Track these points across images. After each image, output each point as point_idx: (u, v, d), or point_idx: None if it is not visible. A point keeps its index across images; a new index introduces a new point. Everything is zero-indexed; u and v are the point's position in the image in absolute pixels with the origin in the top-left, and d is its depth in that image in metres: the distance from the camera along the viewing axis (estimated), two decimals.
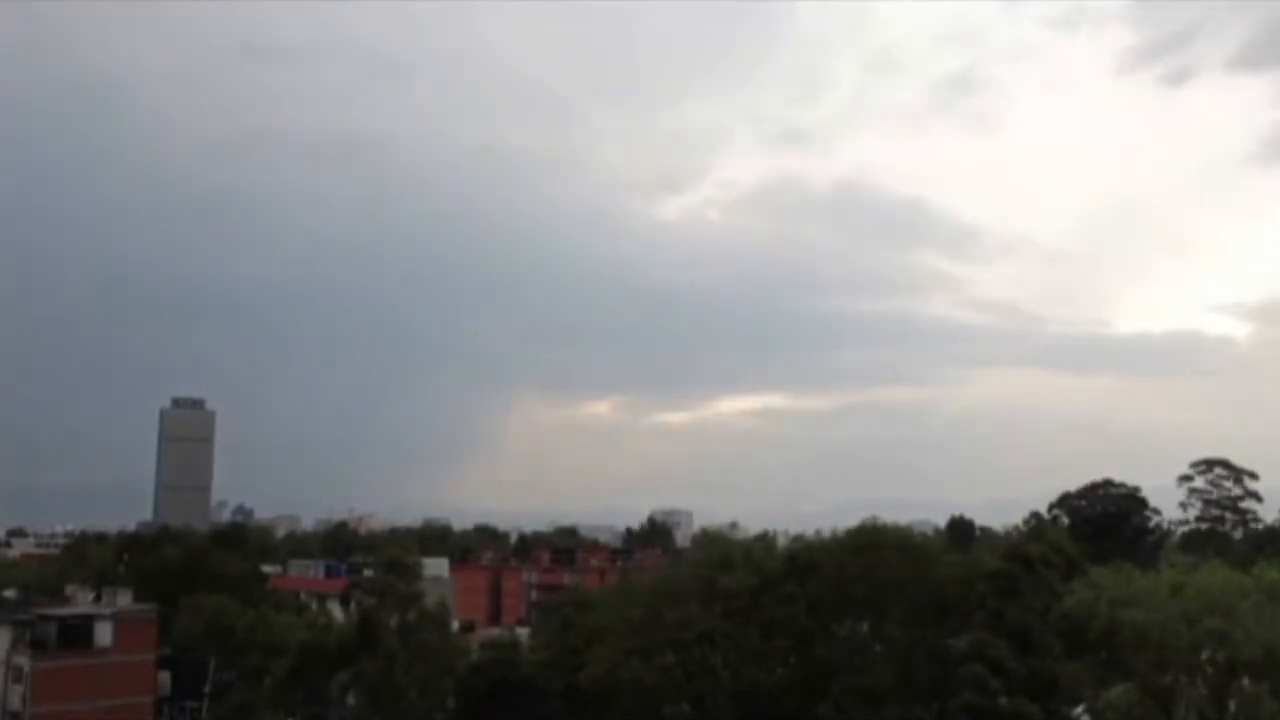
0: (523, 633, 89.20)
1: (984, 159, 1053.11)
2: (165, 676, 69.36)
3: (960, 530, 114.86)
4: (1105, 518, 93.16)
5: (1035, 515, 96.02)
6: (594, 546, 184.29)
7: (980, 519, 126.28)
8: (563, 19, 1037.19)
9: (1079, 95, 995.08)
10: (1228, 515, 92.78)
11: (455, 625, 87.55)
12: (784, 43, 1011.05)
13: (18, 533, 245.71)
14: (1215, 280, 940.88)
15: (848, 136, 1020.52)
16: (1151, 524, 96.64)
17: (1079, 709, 53.92)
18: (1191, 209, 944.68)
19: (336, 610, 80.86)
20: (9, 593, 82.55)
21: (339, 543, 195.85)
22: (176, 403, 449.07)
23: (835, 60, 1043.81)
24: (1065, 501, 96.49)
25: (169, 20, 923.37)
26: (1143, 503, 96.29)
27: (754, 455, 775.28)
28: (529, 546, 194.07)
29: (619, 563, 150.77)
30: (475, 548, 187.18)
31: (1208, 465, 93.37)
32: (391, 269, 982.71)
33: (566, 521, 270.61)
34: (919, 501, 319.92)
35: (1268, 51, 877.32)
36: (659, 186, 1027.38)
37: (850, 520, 67.39)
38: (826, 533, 72.48)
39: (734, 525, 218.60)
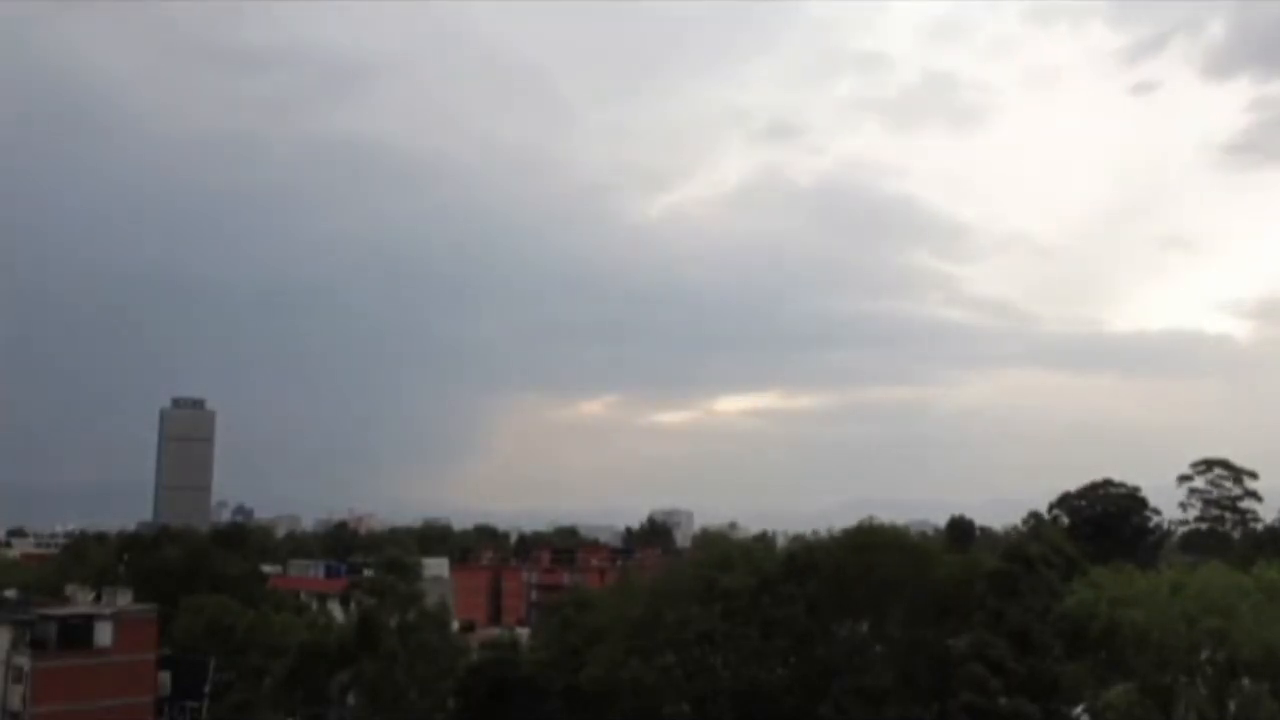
0: (523, 633, 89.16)
1: (977, 156, 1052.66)
2: (165, 676, 69.35)
3: (960, 530, 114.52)
4: (1105, 518, 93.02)
5: (1035, 515, 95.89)
6: (594, 546, 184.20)
7: (980, 519, 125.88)
8: (558, 18, 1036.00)
9: (1067, 92, 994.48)
10: (1227, 515, 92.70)
11: (455, 625, 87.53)
12: (774, 42, 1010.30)
13: (18, 533, 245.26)
14: (1214, 278, 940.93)
15: (841, 134, 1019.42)
16: (1151, 524, 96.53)
17: (1079, 709, 53.96)
18: (1188, 206, 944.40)
19: (336, 610, 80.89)
20: (9, 593, 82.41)
21: (339, 543, 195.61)
22: (176, 403, 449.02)
23: (826, 58, 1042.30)
24: (1065, 501, 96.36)
25: (167, 22, 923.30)
26: (1143, 503, 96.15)
27: (754, 455, 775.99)
28: (529, 546, 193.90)
29: (619, 563, 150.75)
30: (475, 548, 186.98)
31: (1207, 465, 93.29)
32: (391, 269, 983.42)
33: (566, 521, 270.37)
34: (919, 501, 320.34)
35: (1261, 49, 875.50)
36: (653, 184, 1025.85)
37: (850, 520, 67.38)
38: (826, 533, 72.38)
39: (734, 525, 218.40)
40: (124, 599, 71.09)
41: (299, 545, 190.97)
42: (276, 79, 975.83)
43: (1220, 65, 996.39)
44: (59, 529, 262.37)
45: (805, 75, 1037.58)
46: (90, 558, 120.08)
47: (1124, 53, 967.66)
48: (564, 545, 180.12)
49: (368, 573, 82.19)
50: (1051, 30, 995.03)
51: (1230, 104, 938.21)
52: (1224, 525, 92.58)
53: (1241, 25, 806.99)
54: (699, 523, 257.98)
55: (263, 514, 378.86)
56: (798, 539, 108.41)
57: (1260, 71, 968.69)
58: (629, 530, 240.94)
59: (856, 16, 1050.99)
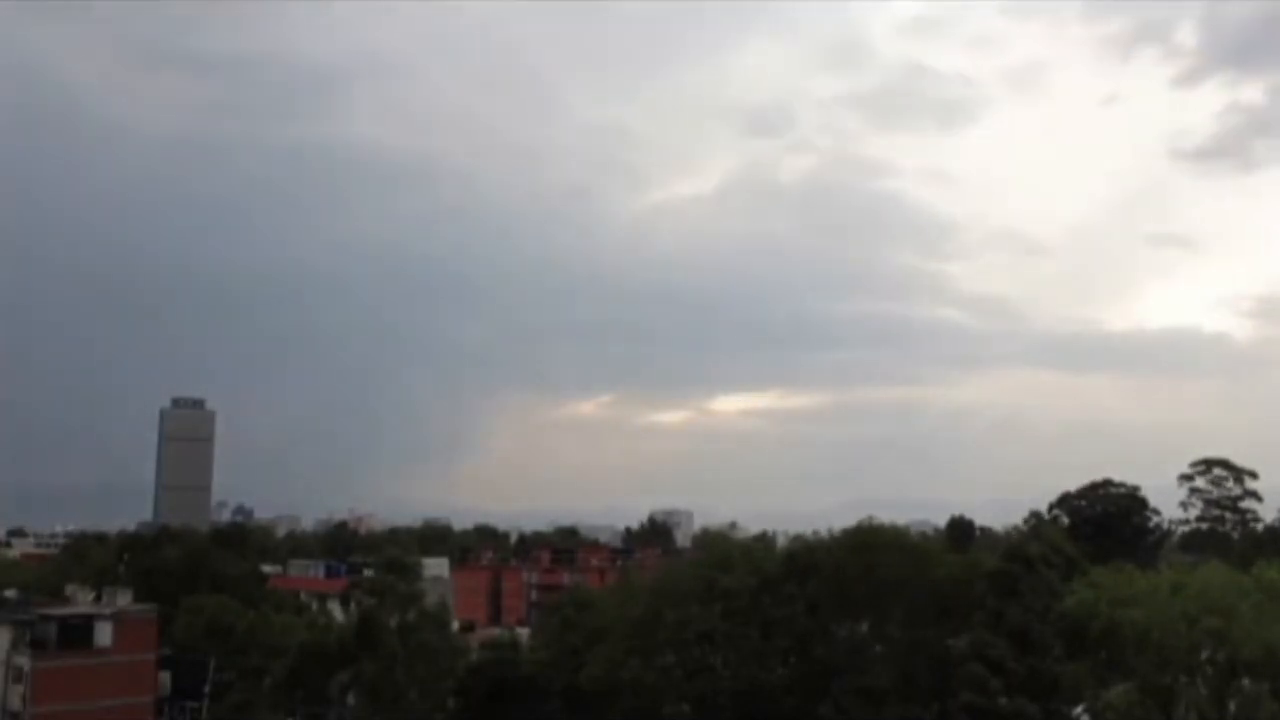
0: (523, 633, 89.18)
1: (970, 154, 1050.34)
2: (165, 676, 69.46)
3: (960, 530, 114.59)
4: (1105, 518, 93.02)
5: (1035, 515, 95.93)
6: (594, 546, 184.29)
7: (980, 519, 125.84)
8: (545, 14, 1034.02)
9: (1057, 88, 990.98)
10: (1228, 515, 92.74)
11: (455, 625, 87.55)
12: (766, 38, 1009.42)
13: (18, 533, 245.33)
14: (1212, 276, 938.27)
15: (832, 131, 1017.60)
16: (1151, 524, 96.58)
17: (1079, 709, 53.98)
18: (1184, 202, 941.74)
19: (336, 610, 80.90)
20: (9, 593, 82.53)
21: (339, 543, 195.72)
22: (176, 403, 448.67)
23: (818, 55, 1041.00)
24: (1065, 501, 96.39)
25: (161, 26, 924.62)
26: (1143, 503, 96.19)
27: (754, 455, 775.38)
28: (529, 546, 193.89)
29: (619, 563, 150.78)
30: (475, 548, 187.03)
31: (1208, 465, 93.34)
32: (390, 269, 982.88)
33: (566, 521, 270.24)
34: (919, 501, 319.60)
35: (1239, 49, 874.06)
36: (645, 182, 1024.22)
37: (850, 520, 67.35)
38: (826, 533, 72.39)
39: (734, 525, 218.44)
40: (124, 599, 71.19)
41: (299, 545, 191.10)
42: (267, 81, 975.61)
43: (1211, 63, 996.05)
44: (59, 529, 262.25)
45: (796, 71, 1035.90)
46: (90, 558, 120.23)
47: (1115, 48, 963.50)
48: (564, 545, 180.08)
49: (368, 573, 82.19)
50: (1039, 26, 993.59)
51: (1223, 100, 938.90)
52: (1224, 525, 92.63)
53: (1233, 22, 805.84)
54: (699, 523, 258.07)
55: (263, 514, 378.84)
56: (798, 539, 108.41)
57: (1246, 69, 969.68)
58: (629, 530, 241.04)
59: (839, 11, 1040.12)
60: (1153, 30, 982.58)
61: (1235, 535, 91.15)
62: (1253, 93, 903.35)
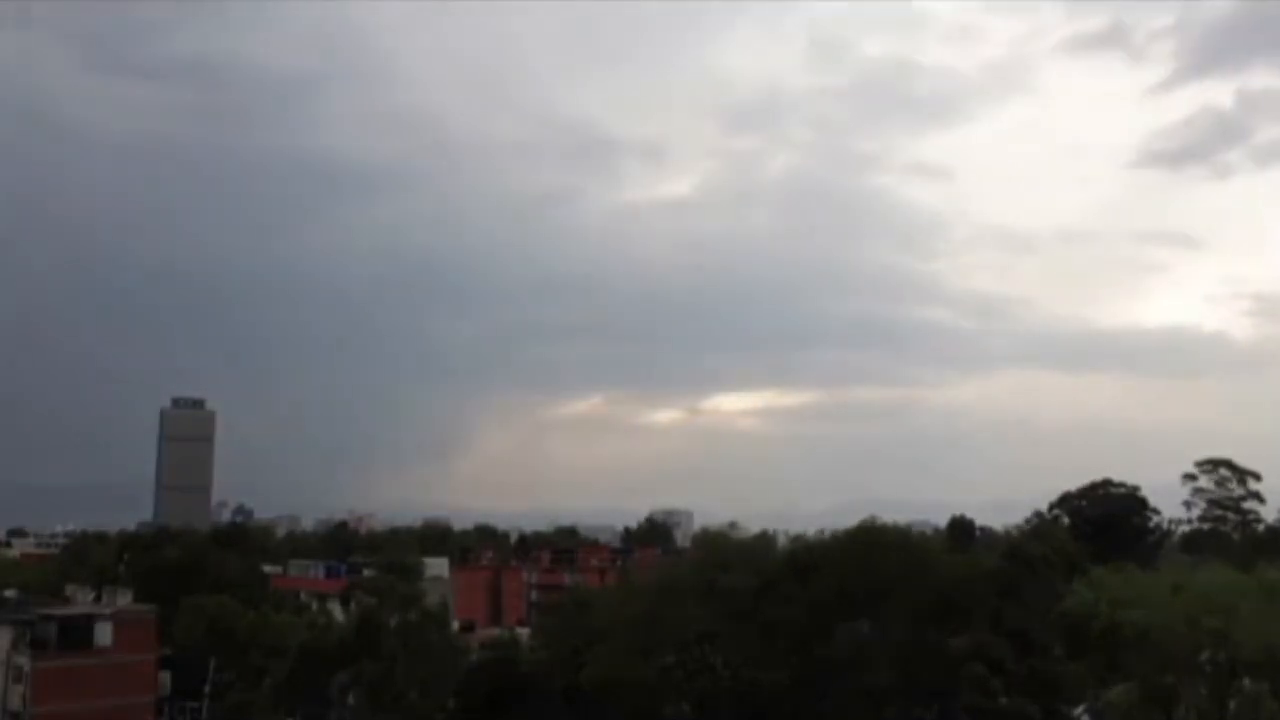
0: (523, 633, 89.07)
1: (958, 151, 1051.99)
2: (165, 676, 69.48)
3: (960, 530, 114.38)
4: (1105, 518, 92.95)
5: (1035, 515, 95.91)
6: (594, 546, 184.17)
7: (980, 519, 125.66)
8: (529, 13, 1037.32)
9: (1051, 85, 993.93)
10: (1229, 515, 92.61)
11: (455, 625, 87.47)
12: (757, 34, 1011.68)
13: (18, 533, 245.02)
14: (1210, 274, 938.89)
15: (827, 129, 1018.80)
16: (1152, 524, 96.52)
17: (1079, 709, 53.99)
18: (1179, 200, 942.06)
19: (336, 610, 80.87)
20: (9, 593, 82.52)
21: (339, 543, 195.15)
22: (176, 403, 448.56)
23: (808, 51, 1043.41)
24: (1065, 501, 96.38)
25: (167, 19, 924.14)
26: (1143, 503, 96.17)
27: (753, 455, 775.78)
28: (529, 546, 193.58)
29: (619, 563, 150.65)
30: (475, 548, 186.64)
31: (1211, 465, 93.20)
32: (389, 271, 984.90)
33: (566, 521, 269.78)
34: (919, 501, 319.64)
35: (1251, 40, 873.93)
36: (636, 182, 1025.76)
37: (850, 520, 67.37)
38: (826, 533, 72.37)
39: (734, 525, 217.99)
40: (124, 599, 71.30)
41: (299, 545, 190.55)
42: (267, 87, 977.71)
43: (1203, 58, 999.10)
44: (59, 529, 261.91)
45: (785, 68, 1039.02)
46: (90, 558, 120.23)
47: (1106, 47, 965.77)
48: (564, 545, 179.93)
49: (368, 573, 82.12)
50: (1028, 22, 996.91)
51: (1215, 97, 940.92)
52: (1225, 525, 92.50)
53: (1224, 17, 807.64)
54: (699, 523, 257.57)
55: (263, 514, 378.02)
56: (798, 539, 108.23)
57: (1239, 65, 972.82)
58: (629, 530, 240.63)
59: (833, 11, 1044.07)
60: (1149, 29, 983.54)
61: (1237, 536, 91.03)
62: (1251, 89, 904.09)
